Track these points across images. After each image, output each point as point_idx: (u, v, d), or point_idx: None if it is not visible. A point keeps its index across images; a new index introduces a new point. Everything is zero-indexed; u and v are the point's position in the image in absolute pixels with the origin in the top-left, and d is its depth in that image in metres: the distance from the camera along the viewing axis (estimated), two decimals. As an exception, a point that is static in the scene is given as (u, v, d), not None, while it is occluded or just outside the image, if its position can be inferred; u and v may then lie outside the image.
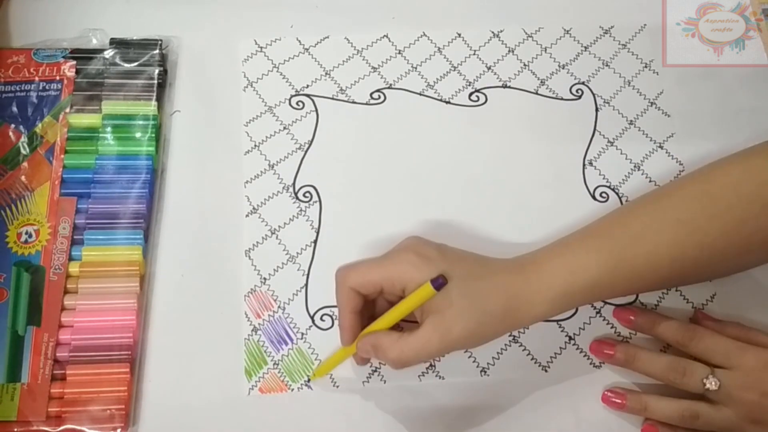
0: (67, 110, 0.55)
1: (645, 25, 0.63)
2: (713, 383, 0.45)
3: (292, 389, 0.49)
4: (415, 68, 0.61)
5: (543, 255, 0.46)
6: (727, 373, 0.45)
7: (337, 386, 0.49)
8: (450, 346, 0.43)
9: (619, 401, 0.48)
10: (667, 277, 0.47)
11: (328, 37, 0.62)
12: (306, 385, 0.49)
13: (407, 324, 0.45)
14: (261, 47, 0.61)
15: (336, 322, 0.50)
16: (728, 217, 0.44)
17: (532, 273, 0.44)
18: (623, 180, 0.57)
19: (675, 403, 0.46)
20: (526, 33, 0.63)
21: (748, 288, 0.52)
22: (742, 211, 0.44)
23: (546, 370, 0.50)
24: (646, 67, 0.61)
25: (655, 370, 0.47)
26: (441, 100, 0.60)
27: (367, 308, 0.46)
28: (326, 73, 0.60)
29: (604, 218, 0.47)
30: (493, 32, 0.63)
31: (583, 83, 0.61)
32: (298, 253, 0.53)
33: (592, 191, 0.56)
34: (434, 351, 0.43)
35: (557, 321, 0.51)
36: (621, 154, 0.58)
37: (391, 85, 0.60)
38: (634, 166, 0.57)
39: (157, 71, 0.57)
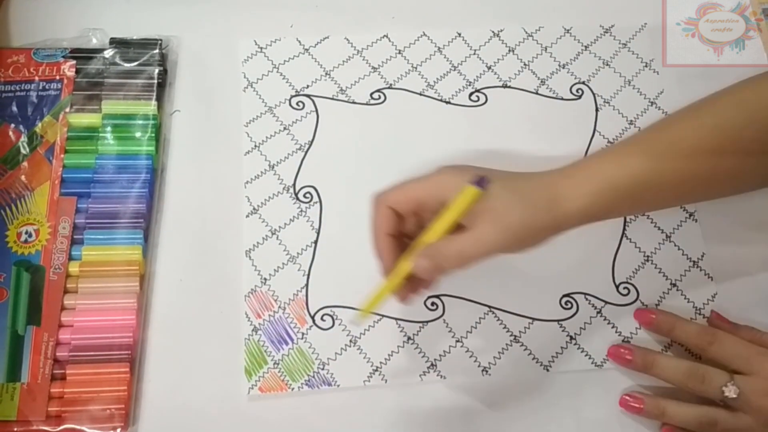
0: (67, 110, 0.55)
1: (645, 24, 0.63)
2: (732, 391, 0.44)
3: (293, 389, 0.49)
4: (415, 68, 0.61)
5: (583, 159, 0.46)
6: (746, 379, 0.45)
7: (338, 385, 0.49)
8: (507, 237, 0.41)
9: (638, 405, 0.48)
10: (705, 183, 0.46)
11: (328, 37, 0.62)
12: (306, 384, 0.49)
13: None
14: (261, 47, 0.61)
15: (336, 322, 0.51)
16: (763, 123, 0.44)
17: (574, 170, 0.44)
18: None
19: (693, 408, 0.46)
20: (527, 32, 0.63)
21: (748, 287, 0.52)
22: None
23: (547, 370, 0.50)
24: (646, 66, 0.61)
25: (674, 376, 0.47)
26: (441, 100, 0.60)
27: (400, 243, 0.45)
28: (326, 74, 0.60)
29: (641, 130, 0.48)
30: (493, 32, 0.63)
31: (583, 83, 0.61)
32: (298, 253, 0.53)
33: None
34: (492, 243, 0.41)
35: (558, 321, 0.51)
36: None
37: (391, 85, 0.60)
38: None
39: (156, 71, 0.57)
